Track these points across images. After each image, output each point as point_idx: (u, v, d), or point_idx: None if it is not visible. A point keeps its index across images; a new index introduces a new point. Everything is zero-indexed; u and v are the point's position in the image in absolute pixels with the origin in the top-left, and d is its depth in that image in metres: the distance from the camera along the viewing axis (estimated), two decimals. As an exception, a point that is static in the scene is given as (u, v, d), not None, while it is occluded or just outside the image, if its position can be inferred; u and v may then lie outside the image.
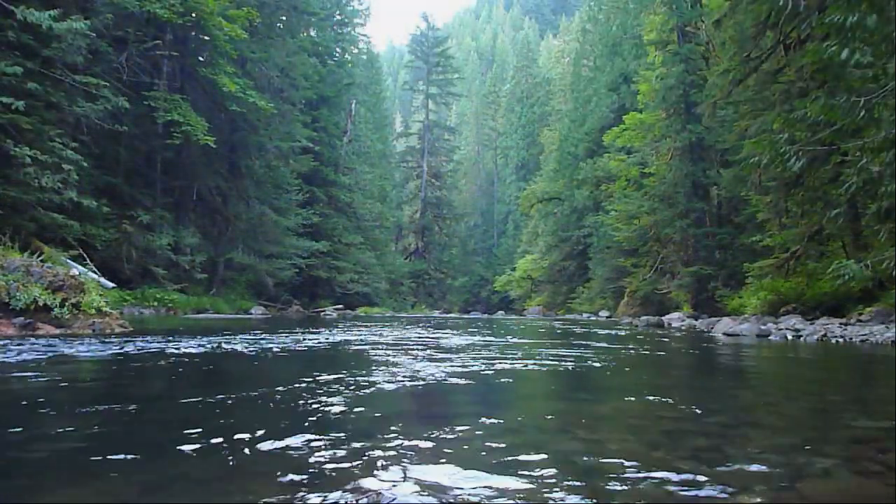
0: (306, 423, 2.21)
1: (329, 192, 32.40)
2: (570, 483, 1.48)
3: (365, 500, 1.35)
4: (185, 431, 2.05)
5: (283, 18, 26.19)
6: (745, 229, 18.97)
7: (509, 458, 1.71)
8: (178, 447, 1.78)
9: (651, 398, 3.30)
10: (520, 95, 65.93)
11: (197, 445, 1.83)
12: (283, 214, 25.34)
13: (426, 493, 1.39)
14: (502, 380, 3.67)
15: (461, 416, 2.51)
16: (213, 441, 1.88)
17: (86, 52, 13.91)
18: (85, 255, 13.74)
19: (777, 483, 1.54)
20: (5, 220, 11.50)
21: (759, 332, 9.85)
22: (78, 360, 4.29)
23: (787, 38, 13.32)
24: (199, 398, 2.74)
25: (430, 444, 1.89)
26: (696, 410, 2.85)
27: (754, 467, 1.67)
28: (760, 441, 2.10)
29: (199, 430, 2.06)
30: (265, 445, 1.81)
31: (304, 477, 1.51)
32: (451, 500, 1.36)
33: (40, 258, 8.38)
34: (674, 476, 1.55)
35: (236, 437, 1.91)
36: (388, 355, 5.12)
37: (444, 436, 2.01)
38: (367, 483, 1.46)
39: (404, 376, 3.57)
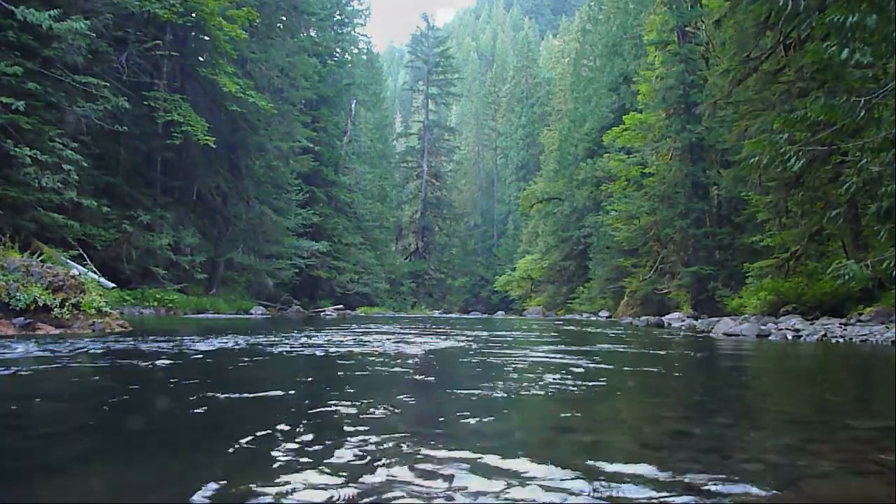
0: (308, 423, 2.21)
1: (329, 192, 32.40)
2: (570, 483, 1.48)
3: (370, 500, 1.35)
4: (185, 431, 2.05)
5: (283, 18, 26.20)
6: (745, 229, 18.97)
7: (510, 460, 1.70)
8: (177, 447, 1.78)
9: (651, 398, 3.30)
10: (520, 95, 65.94)
11: (196, 446, 1.82)
12: (283, 214, 25.35)
13: (430, 493, 1.39)
14: (504, 379, 3.68)
15: (465, 415, 2.51)
16: (212, 441, 1.88)
17: (86, 52, 13.91)
18: (85, 255, 13.75)
19: (777, 483, 1.54)
20: (5, 220, 11.50)
21: (759, 332, 9.84)
22: (82, 360, 4.29)
23: (787, 38, 13.32)
24: (200, 399, 2.74)
25: (435, 442, 1.88)
26: (697, 410, 2.86)
27: (754, 467, 1.67)
28: (760, 441, 2.10)
29: (199, 430, 2.06)
30: (266, 445, 1.81)
31: (308, 477, 1.51)
32: (454, 500, 1.36)
33: (40, 258, 8.38)
34: (674, 476, 1.55)
35: (236, 436, 1.91)
36: (396, 359, 5.12)
37: (449, 434, 2.01)
38: (373, 483, 1.46)
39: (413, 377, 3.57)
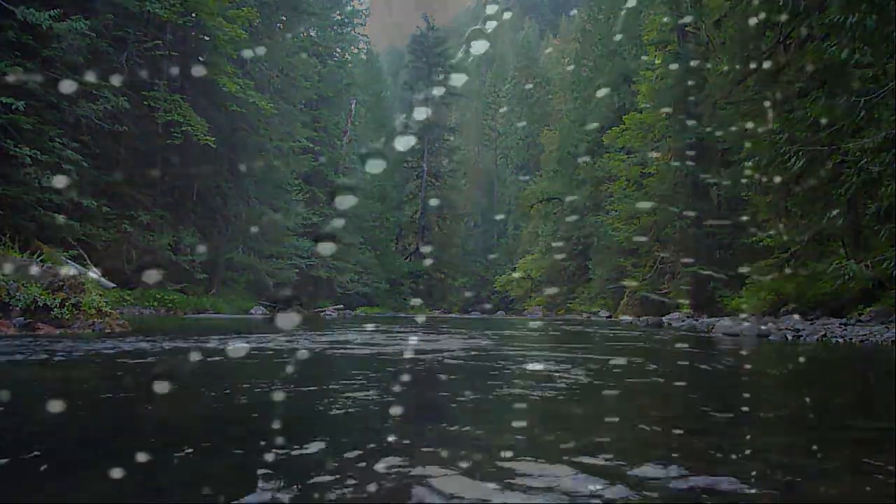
0: (308, 423, 2.21)
1: (329, 192, 32.40)
2: (569, 482, 1.48)
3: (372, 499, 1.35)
4: (187, 431, 2.04)
5: (283, 18, 26.23)
6: (745, 229, 18.96)
7: (509, 459, 1.70)
8: (179, 447, 1.78)
9: (650, 398, 3.30)
10: (520, 95, 65.94)
11: (198, 445, 1.82)
12: (283, 214, 25.37)
13: (429, 492, 1.39)
14: (503, 378, 3.68)
15: (468, 415, 2.51)
16: (213, 440, 1.88)
17: (86, 52, 13.91)
18: (85, 255, 13.75)
19: (777, 483, 1.54)
20: (5, 220, 11.51)
21: (759, 332, 9.84)
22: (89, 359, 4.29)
23: (787, 38, 13.31)
24: (201, 398, 2.74)
25: (437, 441, 1.88)
26: (696, 410, 2.85)
27: (754, 467, 1.67)
28: (760, 441, 2.10)
29: (200, 429, 2.06)
30: (267, 445, 1.81)
31: (309, 477, 1.51)
32: (454, 499, 1.36)
33: (40, 258, 8.38)
34: (673, 476, 1.55)
35: (237, 436, 1.91)
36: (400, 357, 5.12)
37: (449, 434, 2.01)
38: (374, 483, 1.46)
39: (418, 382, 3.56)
